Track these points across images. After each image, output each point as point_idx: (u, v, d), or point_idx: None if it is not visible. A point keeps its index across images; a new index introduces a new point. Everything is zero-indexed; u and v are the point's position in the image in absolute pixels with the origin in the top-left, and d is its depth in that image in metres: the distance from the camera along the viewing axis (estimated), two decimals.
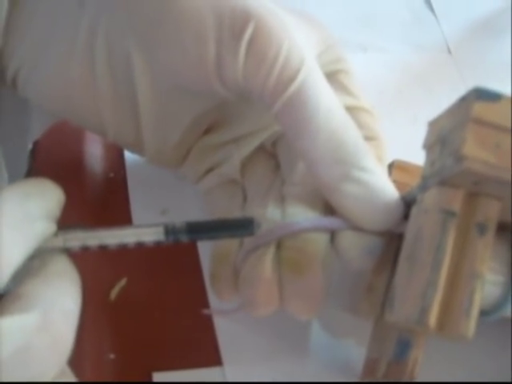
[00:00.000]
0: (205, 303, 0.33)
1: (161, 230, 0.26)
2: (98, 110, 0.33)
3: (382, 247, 0.29)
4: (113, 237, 0.26)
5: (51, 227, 0.25)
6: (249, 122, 0.34)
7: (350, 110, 0.32)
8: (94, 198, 0.38)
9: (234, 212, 0.34)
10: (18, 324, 0.21)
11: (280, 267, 0.30)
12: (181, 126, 0.34)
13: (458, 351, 0.32)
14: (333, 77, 0.33)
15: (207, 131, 0.35)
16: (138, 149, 0.35)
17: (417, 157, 0.33)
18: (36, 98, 0.34)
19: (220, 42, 0.29)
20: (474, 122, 0.25)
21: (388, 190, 0.29)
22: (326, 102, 0.29)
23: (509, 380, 0.32)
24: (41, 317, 0.22)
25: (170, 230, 0.26)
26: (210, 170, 0.36)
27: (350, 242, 0.30)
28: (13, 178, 0.37)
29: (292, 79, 0.29)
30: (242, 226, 0.27)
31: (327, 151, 0.29)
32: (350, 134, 0.29)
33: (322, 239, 0.30)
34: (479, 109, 0.25)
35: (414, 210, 0.28)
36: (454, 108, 0.26)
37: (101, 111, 0.33)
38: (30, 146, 0.40)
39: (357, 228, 0.29)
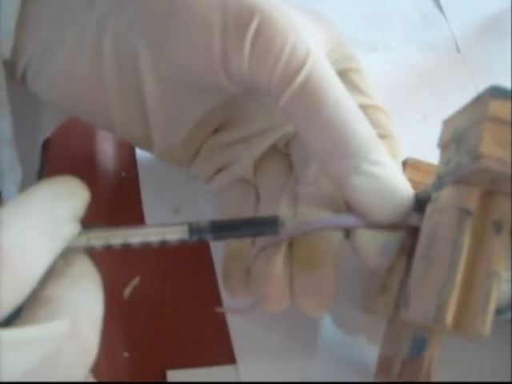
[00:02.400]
0: (218, 301, 0.33)
1: (185, 228, 0.26)
2: (107, 106, 0.33)
3: (398, 246, 0.29)
4: (137, 235, 0.26)
5: (76, 228, 0.25)
6: (259, 122, 0.34)
7: (363, 108, 0.32)
8: (106, 197, 0.38)
9: (247, 212, 0.34)
10: (46, 332, 0.21)
11: (292, 264, 0.30)
12: (189, 123, 0.34)
13: (457, 351, 0.32)
14: (344, 75, 0.33)
15: (217, 130, 0.35)
16: (146, 145, 0.35)
17: (426, 156, 0.33)
18: (45, 93, 0.34)
19: (226, 36, 0.29)
20: (490, 120, 0.25)
21: (399, 182, 0.29)
22: (335, 93, 0.29)
23: (509, 380, 0.32)
24: (69, 324, 0.21)
25: (194, 229, 0.26)
26: (220, 170, 0.36)
27: (366, 241, 0.29)
28: (25, 175, 0.37)
29: (298, 70, 0.28)
30: (266, 225, 0.27)
31: (337, 143, 0.28)
32: (361, 125, 0.29)
33: (334, 237, 0.30)
34: (495, 107, 0.25)
35: (429, 209, 0.28)
36: (469, 107, 0.27)
37: (109, 107, 0.33)
38: (40, 143, 0.40)
39: (369, 225, 0.29)
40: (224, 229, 0.27)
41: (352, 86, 0.33)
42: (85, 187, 0.26)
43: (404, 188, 0.29)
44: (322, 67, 0.29)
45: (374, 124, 0.32)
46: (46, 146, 0.40)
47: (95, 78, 0.32)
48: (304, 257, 0.29)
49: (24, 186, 0.37)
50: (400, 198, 0.29)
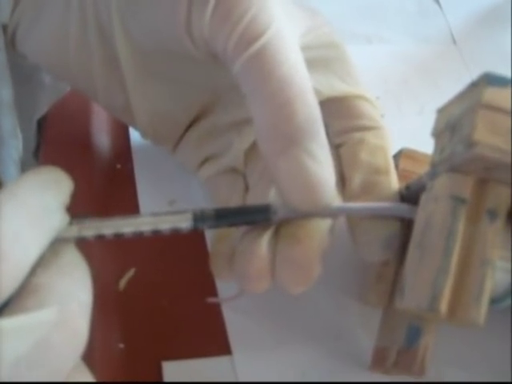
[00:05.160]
0: (213, 292, 0.33)
1: (189, 216, 0.26)
2: (90, 70, 0.33)
3: (399, 239, 0.29)
4: (148, 224, 0.26)
5: (66, 218, 0.25)
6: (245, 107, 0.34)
7: (348, 98, 0.32)
8: (101, 189, 0.37)
9: (235, 201, 0.33)
10: (35, 320, 0.21)
11: (277, 241, 0.29)
12: (168, 96, 0.34)
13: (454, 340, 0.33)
14: (328, 64, 0.33)
15: (204, 114, 0.35)
16: (128, 118, 0.35)
17: (423, 147, 0.33)
18: (33, 54, 0.35)
19: None
20: (484, 107, 0.24)
21: (323, 181, 0.27)
22: (285, 70, 0.27)
23: (508, 379, 0.32)
24: (58, 311, 0.21)
25: (198, 217, 0.27)
26: (209, 158, 0.36)
27: (369, 236, 0.29)
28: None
29: (255, 39, 0.27)
30: (259, 213, 0.27)
31: (274, 122, 0.27)
32: (304, 108, 0.27)
33: (323, 223, 0.30)
34: (490, 94, 0.25)
35: (424, 198, 0.28)
36: (463, 94, 0.26)
37: (92, 71, 0.33)
38: (35, 121, 0.40)
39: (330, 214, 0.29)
40: (224, 216, 0.27)
41: (335, 75, 0.33)
42: (69, 178, 0.26)
43: (327, 186, 0.28)
44: (280, 41, 0.28)
45: (359, 115, 0.31)
46: (42, 125, 0.40)
47: (81, 40, 0.33)
48: (288, 233, 0.29)
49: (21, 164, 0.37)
50: (320, 195, 0.27)
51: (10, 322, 0.20)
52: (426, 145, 0.31)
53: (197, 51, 0.30)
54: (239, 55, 0.28)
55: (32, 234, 0.23)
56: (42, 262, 0.23)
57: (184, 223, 0.27)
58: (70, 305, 0.22)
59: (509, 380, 0.32)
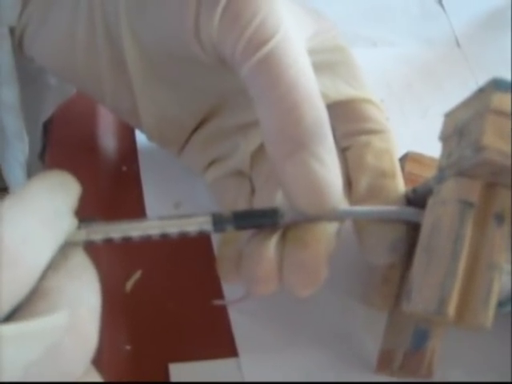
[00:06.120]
0: (219, 295, 0.34)
1: (208, 219, 0.27)
2: (98, 73, 0.34)
3: (405, 243, 0.29)
4: (157, 227, 0.26)
5: (74, 222, 0.25)
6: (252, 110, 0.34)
7: (354, 101, 0.32)
8: (107, 191, 0.38)
9: (241, 204, 0.33)
10: (47, 325, 0.21)
11: (284, 245, 0.29)
12: (175, 99, 0.34)
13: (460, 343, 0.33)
14: (332, 68, 0.33)
15: (210, 117, 0.35)
16: (135, 120, 0.35)
17: (427, 150, 0.33)
18: (40, 56, 0.35)
19: (200, 2, 0.29)
20: (492, 112, 0.25)
21: (331, 184, 0.27)
22: (293, 74, 0.28)
23: (509, 380, 0.32)
24: (69, 316, 0.21)
25: (217, 220, 0.27)
26: (215, 161, 0.36)
27: (376, 239, 0.30)
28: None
29: (263, 44, 0.28)
30: (267, 217, 0.28)
31: (282, 126, 0.27)
32: (311, 112, 0.27)
33: (330, 226, 0.30)
34: (498, 99, 0.25)
35: (431, 201, 0.28)
36: (471, 99, 0.27)
37: (99, 74, 0.34)
38: (41, 124, 0.40)
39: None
40: (233, 220, 0.27)
41: (341, 78, 0.33)
42: (75, 180, 0.26)
43: (334, 189, 0.28)
44: (288, 45, 0.28)
45: (365, 118, 0.31)
46: (48, 127, 0.40)
47: (89, 42, 0.33)
48: (296, 237, 0.29)
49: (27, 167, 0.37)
50: (327, 199, 0.27)
51: (21, 327, 0.20)
52: (429, 148, 0.31)
53: (205, 55, 0.30)
54: (247, 59, 0.28)
55: (43, 238, 0.23)
56: (51, 265, 0.23)
57: (204, 226, 0.27)
58: (79, 309, 0.22)
59: (510, 380, 0.32)
